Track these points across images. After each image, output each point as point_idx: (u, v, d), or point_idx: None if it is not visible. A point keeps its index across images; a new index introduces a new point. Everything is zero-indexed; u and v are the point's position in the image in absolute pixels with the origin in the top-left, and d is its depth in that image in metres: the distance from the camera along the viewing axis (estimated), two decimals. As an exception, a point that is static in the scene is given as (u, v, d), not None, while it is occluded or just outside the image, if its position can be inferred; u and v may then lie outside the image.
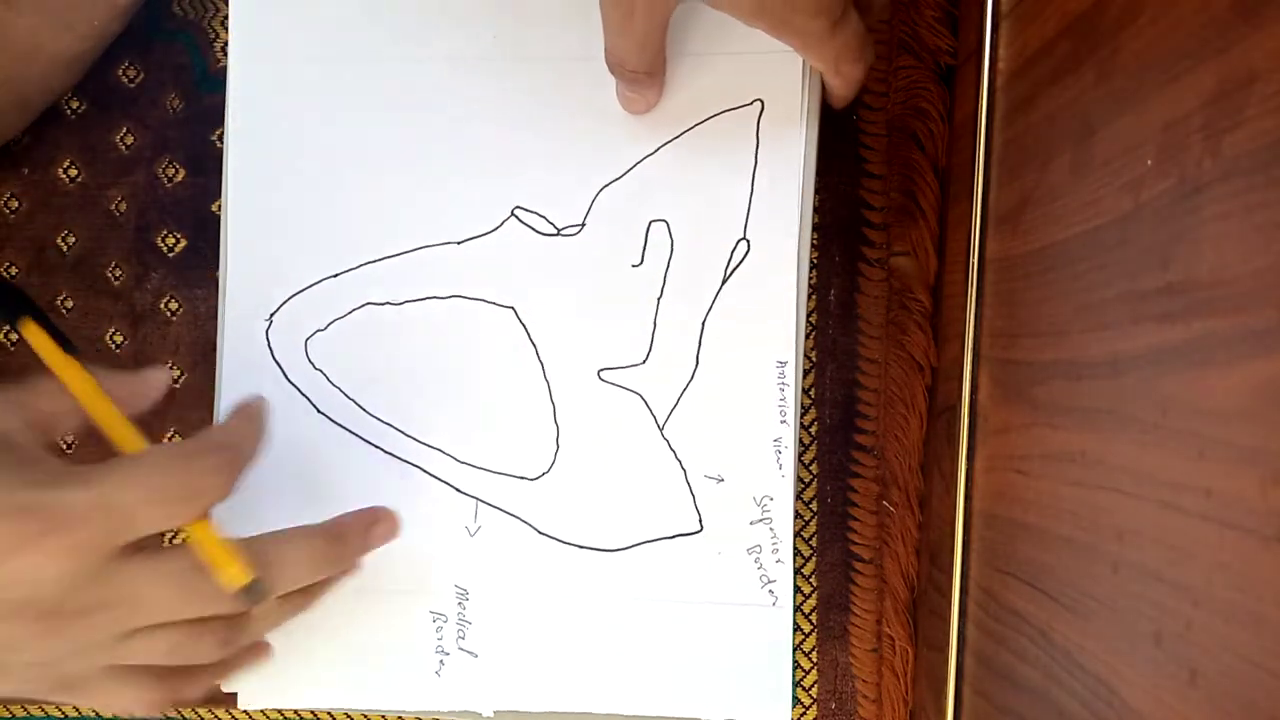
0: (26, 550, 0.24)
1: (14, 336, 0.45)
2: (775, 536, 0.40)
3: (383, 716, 0.43)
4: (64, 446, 0.44)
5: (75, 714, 0.45)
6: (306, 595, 0.36)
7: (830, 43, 0.35)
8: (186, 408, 0.44)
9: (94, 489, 0.26)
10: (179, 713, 0.44)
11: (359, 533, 0.36)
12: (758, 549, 0.40)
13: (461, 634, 0.41)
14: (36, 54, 0.40)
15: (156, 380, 0.33)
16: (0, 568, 0.24)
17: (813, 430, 0.43)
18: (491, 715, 0.41)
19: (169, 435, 0.44)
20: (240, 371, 0.42)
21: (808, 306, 0.43)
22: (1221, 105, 0.23)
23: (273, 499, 0.42)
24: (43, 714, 0.45)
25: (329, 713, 0.45)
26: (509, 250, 0.41)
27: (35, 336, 0.31)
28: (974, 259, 0.38)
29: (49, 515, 0.25)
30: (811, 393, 0.43)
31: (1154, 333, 0.25)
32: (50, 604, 0.26)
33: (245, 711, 0.44)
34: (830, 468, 0.43)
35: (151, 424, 0.44)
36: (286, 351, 0.42)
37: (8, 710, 0.45)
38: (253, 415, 0.34)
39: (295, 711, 0.45)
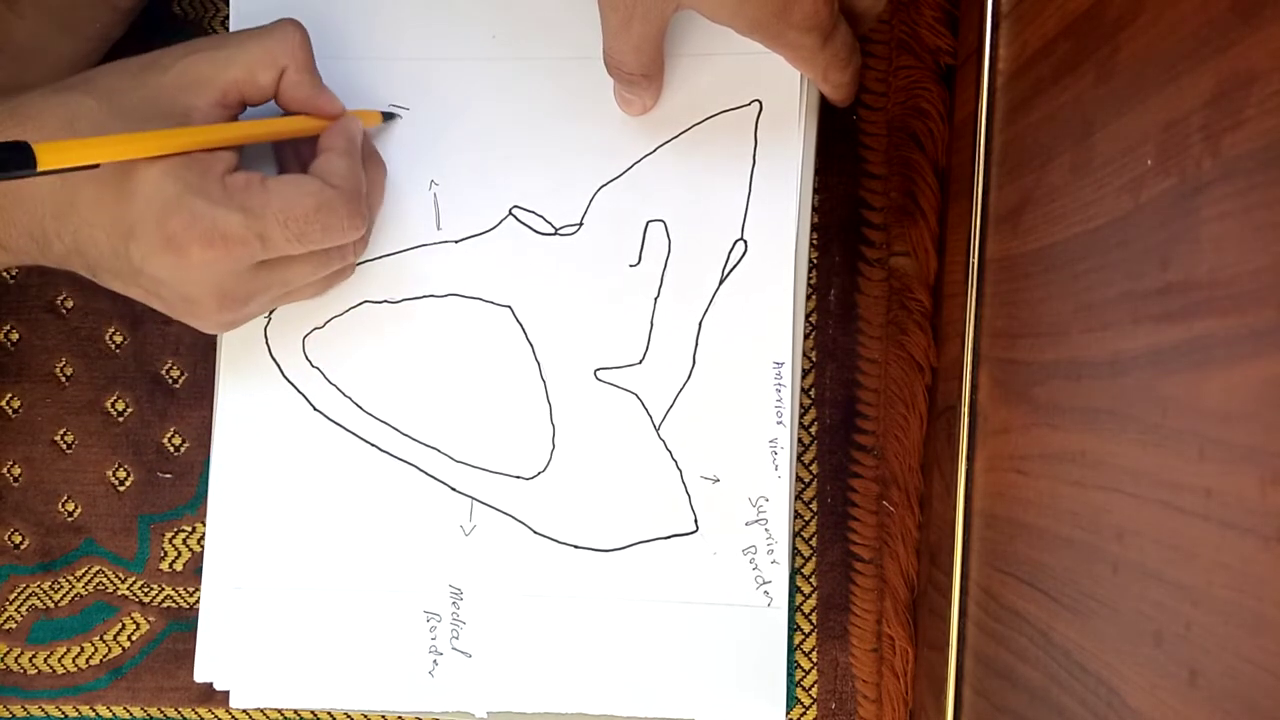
0: (196, 248, 0.33)
1: (14, 336, 0.45)
2: (771, 537, 0.40)
3: (382, 717, 0.43)
4: (65, 447, 0.44)
5: (75, 714, 0.45)
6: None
7: (821, 55, 0.36)
8: (186, 407, 0.44)
9: (247, 215, 0.33)
10: (178, 712, 0.44)
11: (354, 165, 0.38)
12: (753, 550, 0.40)
13: (455, 634, 0.41)
14: (38, 56, 0.40)
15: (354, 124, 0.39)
16: (183, 258, 0.33)
17: (812, 430, 0.43)
18: (485, 716, 0.41)
19: (168, 434, 0.44)
20: (239, 369, 0.42)
21: (807, 306, 0.43)
22: (1221, 105, 0.23)
23: (270, 497, 0.42)
24: (43, 714, 0.45)
25: (327, 712, 0.45)
26: (506, 249, 0.41)
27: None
28: (974, 259, 0.38)
29: (210, 227, 0.32)
30: (811, 393, 0.43)
31: (1154, 333, 0.25)
32: (216, 286, 0.35)
33: (243, 710, 0.44)
34: (830, 468, 0.43)
35: (152, 422, 0.44)
36: (284, 349, 0.42)
37: (8, 710, 0.45)
38: (374, 172, 0.39)
39: (295, 711, 0.45)
